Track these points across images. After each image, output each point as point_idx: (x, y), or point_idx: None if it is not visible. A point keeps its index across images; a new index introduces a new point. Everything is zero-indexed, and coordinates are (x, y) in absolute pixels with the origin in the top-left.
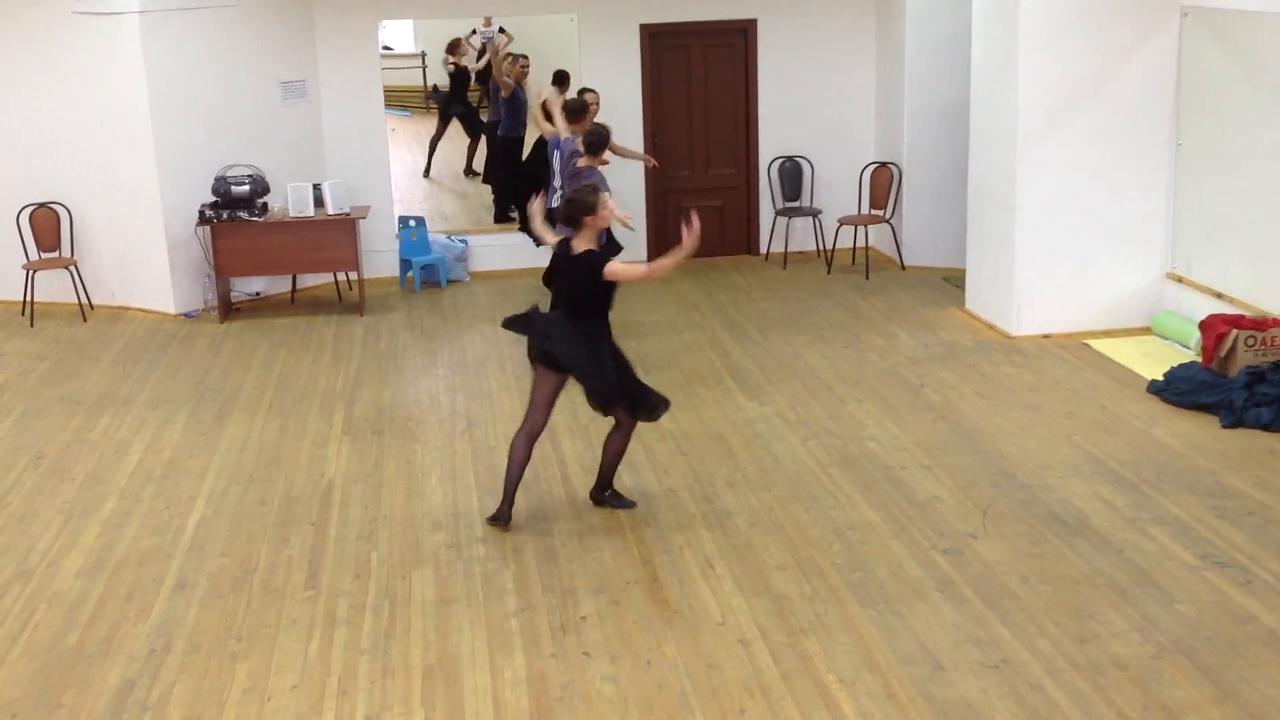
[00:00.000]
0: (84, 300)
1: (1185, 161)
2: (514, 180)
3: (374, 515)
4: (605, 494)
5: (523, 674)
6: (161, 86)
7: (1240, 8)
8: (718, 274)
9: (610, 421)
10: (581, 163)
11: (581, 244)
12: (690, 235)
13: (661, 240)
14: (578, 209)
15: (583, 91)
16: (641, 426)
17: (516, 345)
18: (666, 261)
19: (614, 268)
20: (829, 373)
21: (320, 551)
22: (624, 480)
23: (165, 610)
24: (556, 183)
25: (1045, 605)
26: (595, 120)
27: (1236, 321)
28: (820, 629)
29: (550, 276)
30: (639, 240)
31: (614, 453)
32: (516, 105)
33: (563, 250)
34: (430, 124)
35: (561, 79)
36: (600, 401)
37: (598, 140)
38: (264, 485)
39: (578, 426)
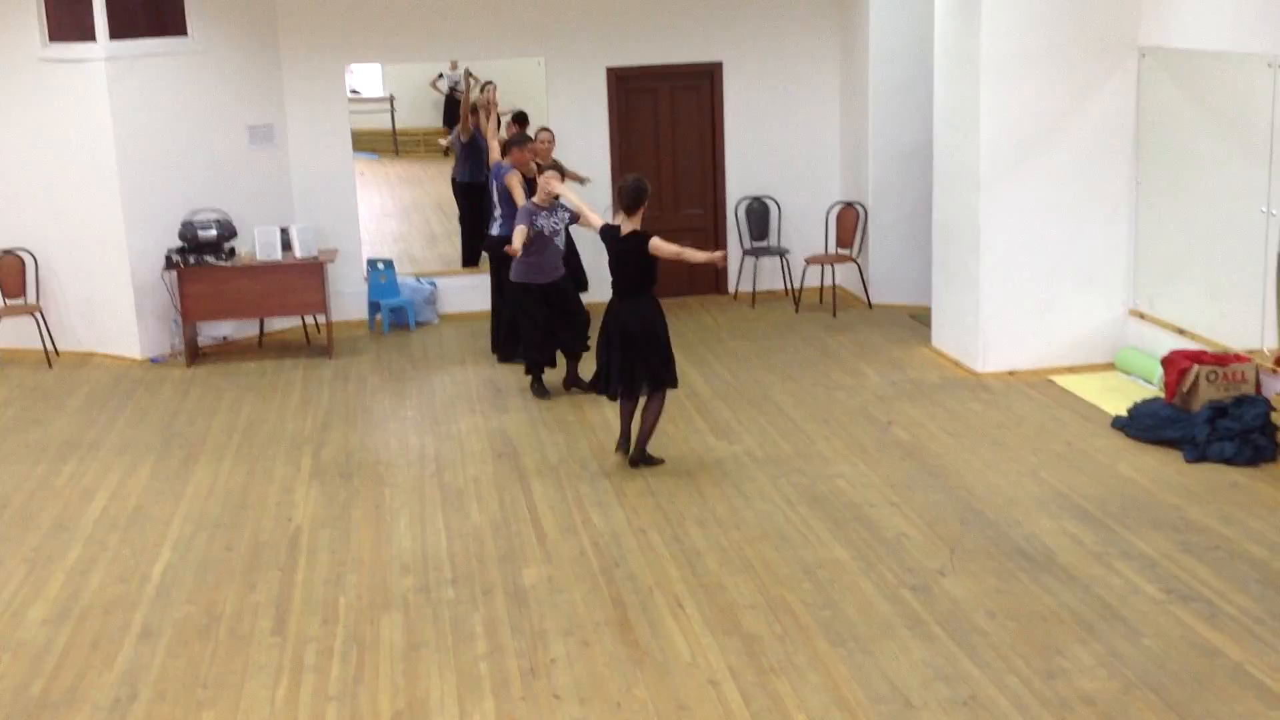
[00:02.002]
0: (49, 346)
1: (1146, 199)
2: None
3: (342, 560)
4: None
5: (492, 718)
6: (128, 132)
7: (1197, 48)
8: (687, 313)
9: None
10: (525, 200)
11: (628, 227)
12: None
13: None
14: (641, 194)
15: (540, 130)
16: (614, 467)
17: (485, 387)
18: (694, 254)
19: (657, 242)
20: (797, 411)
21: (287, 597)
22: (593, 521)
23: (131, 658)
24: (496, 212)
25: (1013, 641)
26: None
27: (1198, 357)
28: (790, 668)
29: (499, 346)
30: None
31: (653, 420)
32: (476, 150)
33: (613, 232)
34: (399, 167)
35: (521, 119)
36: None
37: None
38: (231, 531)
39: (547, 468)
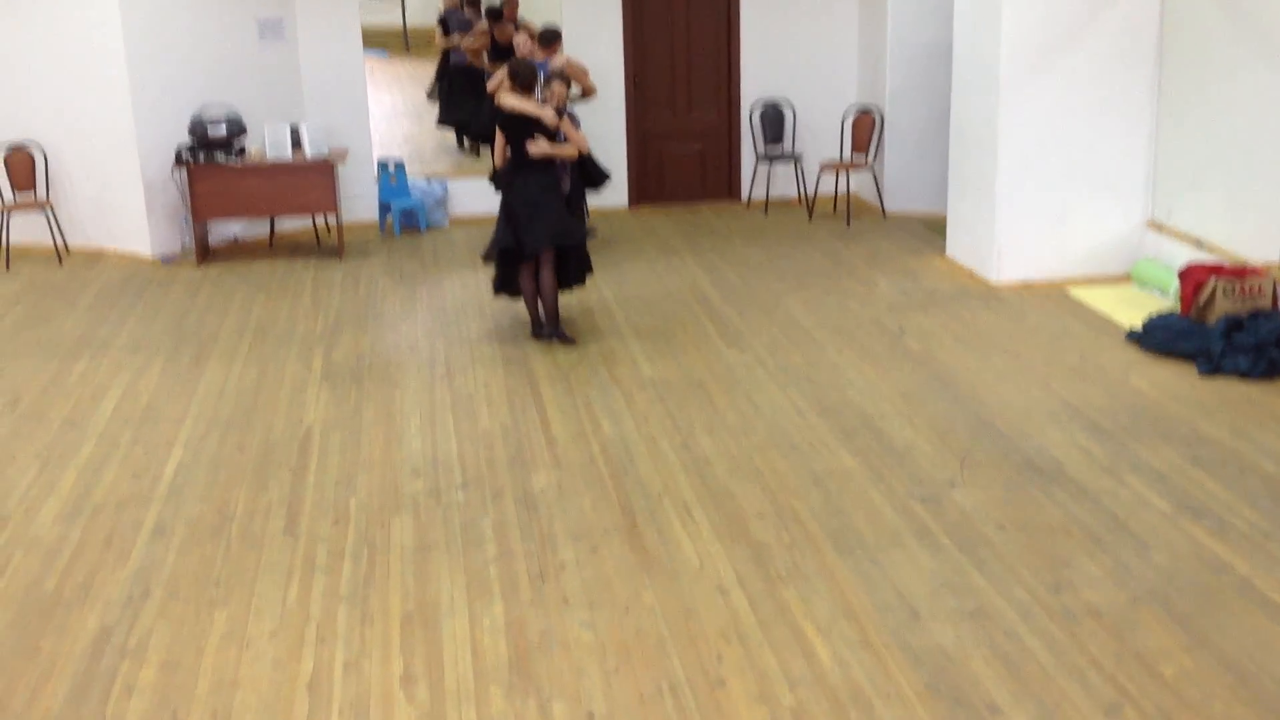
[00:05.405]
0: (60, 243)
1: (1167, 107)
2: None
3: (353, 461)
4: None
5: (501, 621)
6: (136, 25)
7: None
8: (699, 220)
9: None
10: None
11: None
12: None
13: (642, 183)
14: (529, 73)
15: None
16: (623, 373)
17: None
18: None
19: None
20: (809, 320)
21: (299, 497)
22: (603, 428)
23: (143, 556)
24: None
25: (1021, 553)
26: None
27: (1216, 269)
28: (798, 576)
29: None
30: (619, 181)
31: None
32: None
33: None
34: (410, 66)
35: (551, 39)
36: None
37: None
38: (242, 430)
39: (558, 373)
